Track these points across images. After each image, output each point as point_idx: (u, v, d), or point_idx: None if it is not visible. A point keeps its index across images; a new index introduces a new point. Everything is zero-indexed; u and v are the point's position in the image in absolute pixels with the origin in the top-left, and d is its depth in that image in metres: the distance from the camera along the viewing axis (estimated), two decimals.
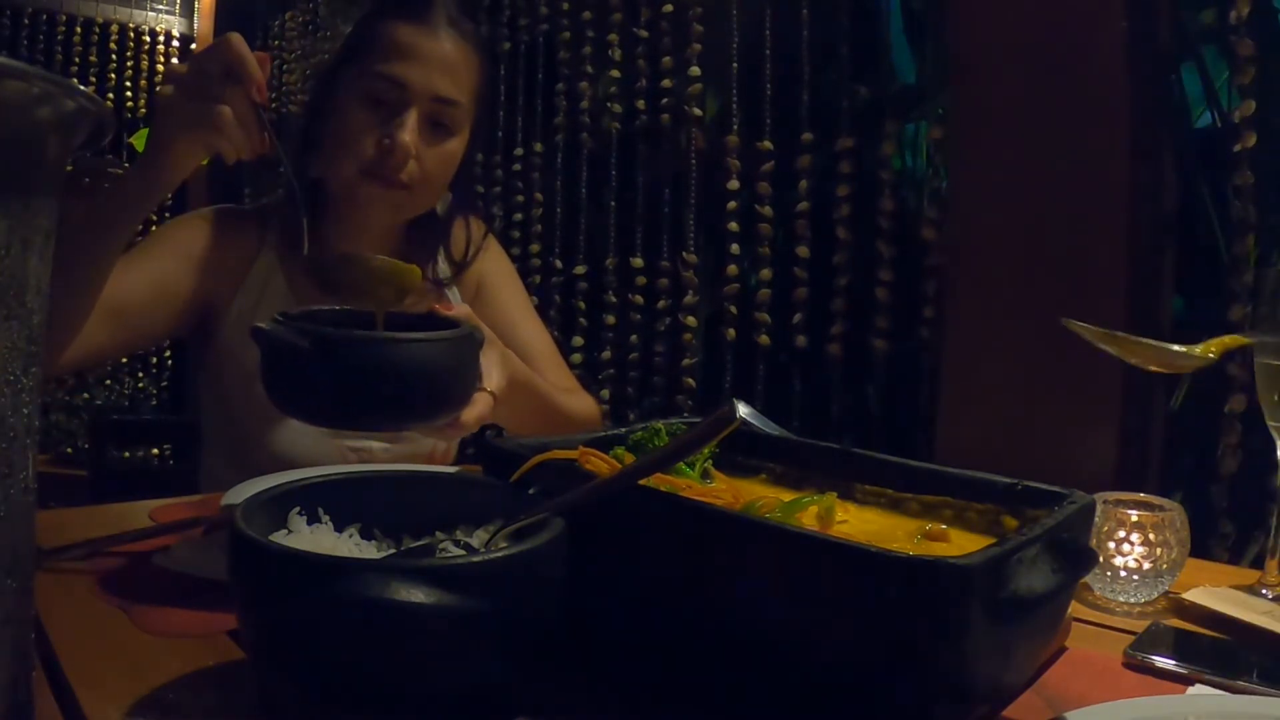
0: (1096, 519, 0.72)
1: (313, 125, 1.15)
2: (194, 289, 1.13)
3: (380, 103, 1.07)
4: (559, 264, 2.16)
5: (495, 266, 1.34)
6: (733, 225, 1.77)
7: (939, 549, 0.60)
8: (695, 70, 1.85)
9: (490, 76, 1.21)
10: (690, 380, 1.88)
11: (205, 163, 1.01)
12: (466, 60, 1.12)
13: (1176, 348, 0.69)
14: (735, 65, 1.78)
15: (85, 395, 3.28)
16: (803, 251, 1.66)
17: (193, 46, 3.70)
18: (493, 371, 0.90)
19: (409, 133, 1.07)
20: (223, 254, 1.16)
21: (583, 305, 2.10)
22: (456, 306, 0.89)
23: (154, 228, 1.38)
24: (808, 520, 0.62)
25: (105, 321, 1.01)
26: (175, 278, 1.11)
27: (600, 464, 0.63)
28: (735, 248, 1.78)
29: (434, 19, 1.10)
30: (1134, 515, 0.77)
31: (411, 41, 1.08)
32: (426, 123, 1.09)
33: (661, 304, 1.94)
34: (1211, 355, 0.69)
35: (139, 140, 2.80)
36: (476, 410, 0.85)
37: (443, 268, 1.27)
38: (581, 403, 1.26)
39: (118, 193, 0.93)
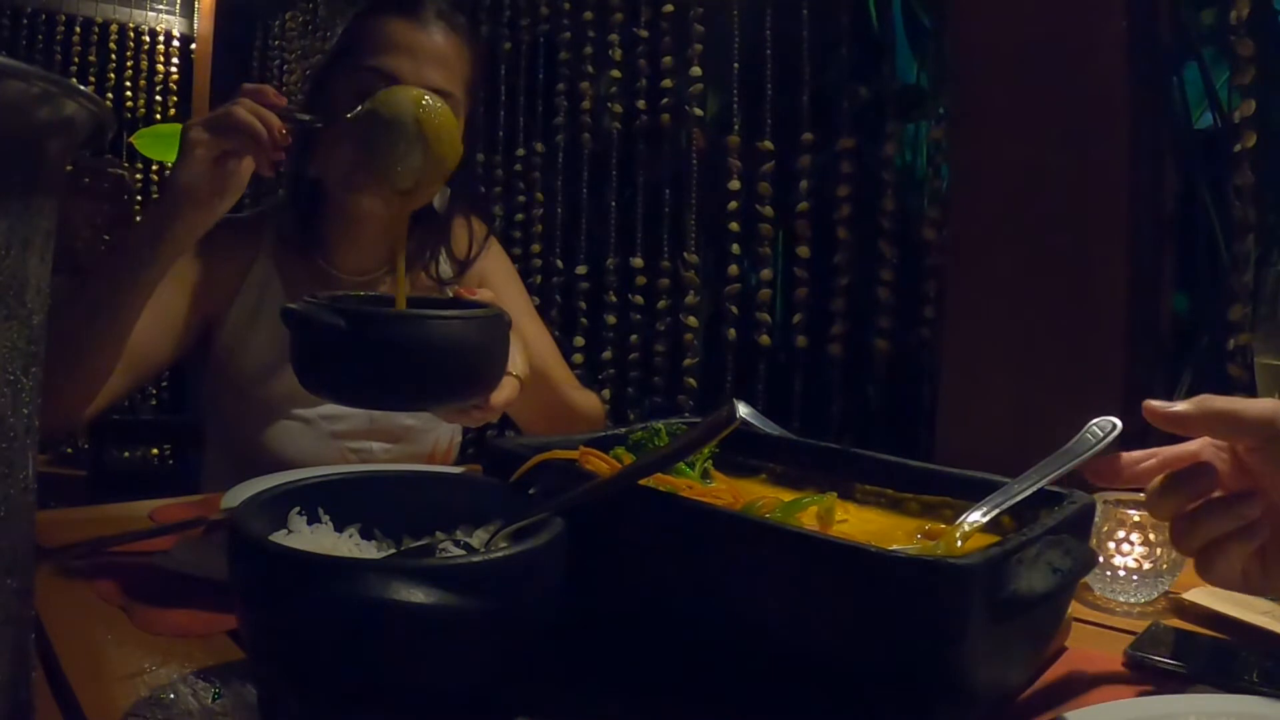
0: (1096, 519, 0.72)
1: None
2: (193, 310, 1.14)
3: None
4: (560, 264, 2.15)
5: (496, 266, 1.34)
6: (733, 225, 1.77)
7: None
8: (696, 70, 1.85)
9: (483, 69, 1.22)
10: (691, 380, 1.88)
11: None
12: (458, 52, 1.12)
13: None
14: (736, 65, 1.78)
15: None
16: (803, 251, 1.66)
17: (193, 47, 3.70)
18: (517, 357, 0.90)
19: None
20: (218, 267, 1.16)
21: (584, 305, 2.10)
22: (480, 291, 0.89)
23: None
24: (808, 520, 0.62)
25: (123, 367, 1.01)
26: (176, 307, 1.12)
27: (600, 464, 0.63)
28: (736, 248, 1.78)
29: (423, 13, 1.10)
30: (1134, 515, 0.77)
31: (401, 36, 1.08)
32: None
33: (662, 304, 1.94)
34: None
35: (139, 140, 2.80)
36: (504, 394, 0.86)
37: (445, 267, 1.27)
38: (587, 399, 1.27)
39: (143, 236, 0.93)
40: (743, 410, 0.72)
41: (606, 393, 2.04)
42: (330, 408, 1.16)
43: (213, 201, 0.91)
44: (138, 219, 0.99)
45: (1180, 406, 0.57)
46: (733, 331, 1.78)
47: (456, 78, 1.12)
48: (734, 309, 1.78)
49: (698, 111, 1.87)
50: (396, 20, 1.10)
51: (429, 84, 1.08)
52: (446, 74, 1.10)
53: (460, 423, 1.18)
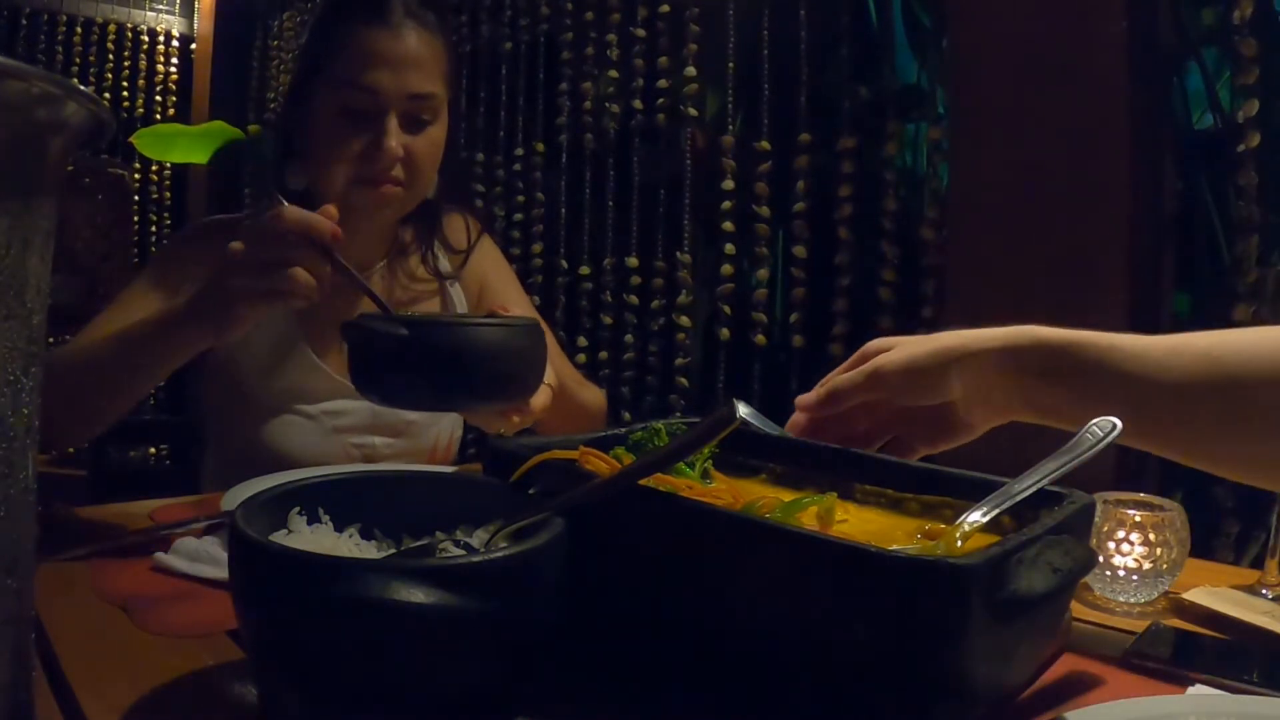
0: (1096, 519, 0.72)
1: (290, 138, 1.15)
2: None
3: (356, 112, 1.07)
4: (565, 264, 2.16)
5: (495, 268, 1.34)
6: (728, 225, 1.77)
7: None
8: (692, 70, 1.85)
9: (457, 55, 1.21)
10: (685, 380, 1.88)
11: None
12: (433, 50, 1.11)
13: None
14: (732, 65, 1.78)
15: None
16: (800, 251, 1.66)
17: (193, 47, 3.70)
18: (548, 368, 0.93)
19: (393, 137, 1.07)
20: (209, 272, 1.15)
21: (585, 305, 2.10)
22: (511, 308, 0.96)
23: (154, 249, 1.38)
24: (808, 520, 0.62)
25: None
26: None
27: (600, 464, 0.63)
28: (730, 248, 1.78)
29: (393, 17, 1.08)
30: (1134, 515, 0.77)
31: (376, 46, 1.06)
32: (406, 120, 1.09)
33: (657, 304, 1.94)
34: None
35: (139, 140, 2.79)
36: (542, 399, 0.93)
37: (444, 263, 1.28)
38: (592, 394, 1.29)
39: (163, 333, 0.92)
40: (743, 410, 0.73)
41: (603, 392, 2.04)
42: (332, 403, 1.16)
43: (233, 333, 0.89)
44: (151, 318, 0.95)
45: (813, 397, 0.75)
46: (726, 331, 1.78)
47: (436, 76, 1.11)
48: (727, 309, 1.77)
49: (693, 112, 1.87)
50: (368, 29, 1.07)
51: (412, 90, 1.08)
52: (426, 76, 1.09)
53: (499, 429, 1.18)
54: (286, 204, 0.84)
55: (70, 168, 0.41)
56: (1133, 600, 0.77)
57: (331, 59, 1.08)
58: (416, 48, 1.09)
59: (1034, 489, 0.60)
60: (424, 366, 0.79)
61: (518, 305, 1.34)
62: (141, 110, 3.65)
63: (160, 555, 0.75)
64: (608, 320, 2.04)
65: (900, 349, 0.73)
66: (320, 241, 0.84)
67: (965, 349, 0.70)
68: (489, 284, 1.32)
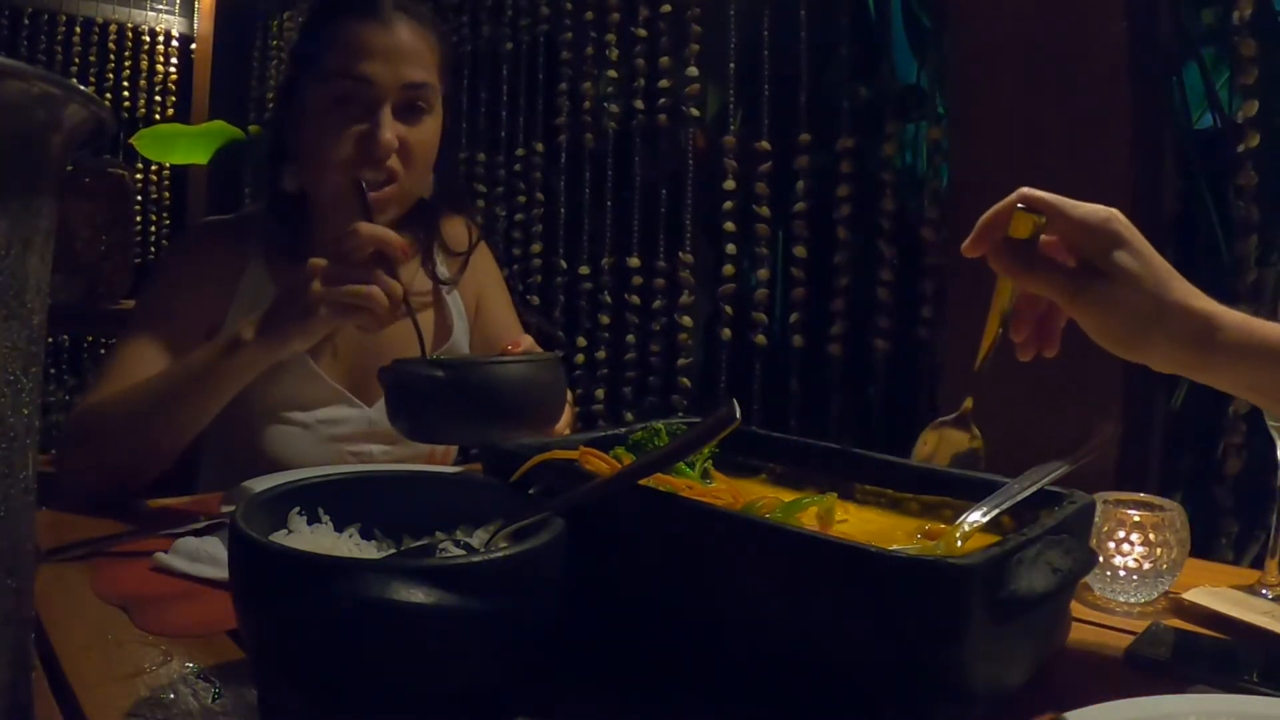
0: (1096, 519, 0.72)
1: (282, 137, 1.14)
2: (199, 334, 1.13)
3: (350, 103, 1.06)
4: (563, 264, 2.15)
5: (492, 283, 1.34)
6: (729, 225, 1.77)
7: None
8: (693, 70, 1.85)
9: (452, 49, 1.21)
10: (686, 380, 1.88)
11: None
12: (426, 43, 1.11)
13: None
14: (733, 65, 1.78)
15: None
16: (800, 251, 1.66)
17: (193, 47, 3.70)
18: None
19: (387, 129, 1.06)
20: (209, 279, 1.15)
21: (585, 305, 2.10)
22: (521, 339, 1.02)
23: (154, 249, 1.37)
24: (808, 520, 0.62)
25: None
26: (184, 341, 1.12)
27: (600, 464, 0.63)
28: (732, 248, 1.78)
29: (383, 11, 1.08)
30: (1134, 515, 0.77)
31: (368, 39, 1.06)
32: (401, 111, 1.08)
33: (658, 304, 1.94)
34: None
35: (139, 140, 2.78)
36: (564, 420, 0.99)
37: (442, 269, 1.27)
38: None
39: (236, 357, 0.94)
40: None
41: (601, 392, 2.04)
42: (329, 410, 1.16)
43: (301, 347, 0.95)
44: (215, 344, 0.98)
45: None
46: (728, 331, 1.78)
47: (430, 67, 1.11)
48: (729, 309, 1.77)
49: (695, 112, 1.87)
50: (360, 23, 1.07)
51: (407, 80, 1.07)
52: (419, 66, 1.09)
53: None
54: (363, 222, 0.91)
55: (70, 168, 0.41)
56: (1133, 600, 0.77)
57: (322, 54, 1.08)
58: (409, 39, 1.09)
59: (1034, 489, 0.60)
60: (465, 404, 0.86)
61: (509, 312, 1.34)
62: (142, 110, 3.65)
63: (160, 555, 0.75)
64: (607, 320, 2.04)
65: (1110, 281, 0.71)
66: (390, 255, 0.90)
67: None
68: (486, 298, 1.32)
